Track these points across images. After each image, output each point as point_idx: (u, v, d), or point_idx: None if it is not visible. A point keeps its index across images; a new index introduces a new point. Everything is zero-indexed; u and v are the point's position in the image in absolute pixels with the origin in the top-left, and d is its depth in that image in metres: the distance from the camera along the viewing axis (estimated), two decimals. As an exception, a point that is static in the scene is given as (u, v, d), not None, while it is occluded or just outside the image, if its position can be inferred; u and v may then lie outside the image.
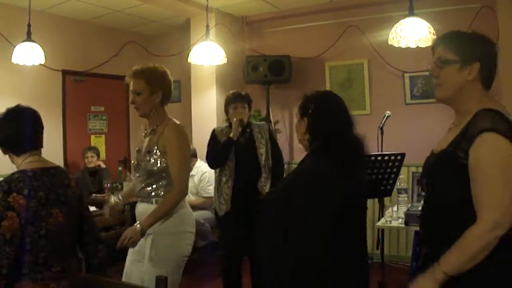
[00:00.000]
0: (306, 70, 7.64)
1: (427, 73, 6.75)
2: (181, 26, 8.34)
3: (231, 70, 7.49)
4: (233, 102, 5.00)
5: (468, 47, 2.33)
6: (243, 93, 5.17)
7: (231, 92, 5.18)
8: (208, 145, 5.12)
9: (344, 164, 2.55)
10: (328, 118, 2.71)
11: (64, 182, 2.79)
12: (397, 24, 4.69)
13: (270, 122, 7.20)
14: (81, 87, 7.95)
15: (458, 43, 2.34)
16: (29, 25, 5.74)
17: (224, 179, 4.95)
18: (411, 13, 4.67)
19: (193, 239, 3.65)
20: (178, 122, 3.69)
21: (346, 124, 2.69)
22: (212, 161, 5.06)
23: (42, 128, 2.87)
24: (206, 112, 7.66)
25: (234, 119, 4.88)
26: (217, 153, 4.95)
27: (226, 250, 5.09)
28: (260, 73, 7.34)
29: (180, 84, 8.77)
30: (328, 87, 7.54)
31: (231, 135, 4.86)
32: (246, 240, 4.56)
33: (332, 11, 7.42)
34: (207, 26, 6.15)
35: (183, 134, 3.68)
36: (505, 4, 6.14)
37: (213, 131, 5.15)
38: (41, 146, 2.87)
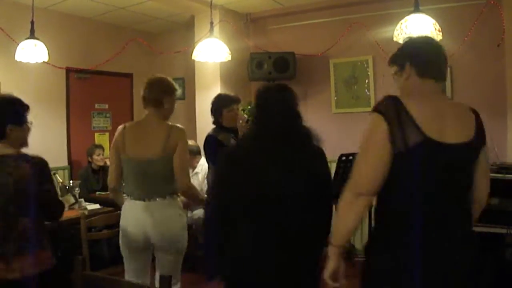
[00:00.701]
0: (310, 67, 7.62)
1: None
2: (185, 23, 8.32)
3: (235, 67, 7.47)
4: (228, 105, 4.93)
5: (399, 55, 2.68)
6: (232, 94, 5.24)
7: (217, 96, 5.21)
8: (213, 151, 4.78)
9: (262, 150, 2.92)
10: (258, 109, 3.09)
11: (6, 170, 2.99)
12: (402, 21, 4.68)
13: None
14: (85, 84, 7.94)
15: (395, 56, 2.71)
16: (32, 23, 5.73)
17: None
18: (416, 9, 4.66)
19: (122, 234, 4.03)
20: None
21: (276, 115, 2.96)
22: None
23: (13, 122, 3.10)
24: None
25: (241, 122, 4.84)
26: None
27: None
28: (265, 70, 7.32)
29: (184, 82, 8.77)
30: (332, 84, 7.52)
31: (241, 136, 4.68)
32: None
33: (337, 8, 7.39)
34: (211, 23, 6.14)
35: None
36: (510, 0, 6.10)
37: (214, 138, 4.87)
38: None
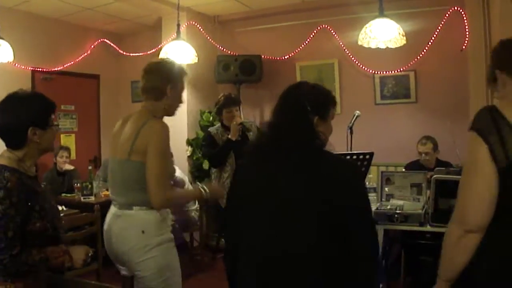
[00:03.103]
0: (277, 70, 7.66)
1: (396, 73, 6.86)
2: (152, 24, 8.31)
3: (202, 69, 7.48)
4: (227, 106, 5.40)
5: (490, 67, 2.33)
6: (233, 95, 5.59)
7: (222, 96, 5.53)
8: (204, 146, 5.58)
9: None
10: None
11: None
12: (367, 25, 4.73)
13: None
14: (51, 85, 7.86)
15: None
16: (-3, 22, 5.70)
17: (225, 175, 5.32)
18: (381, 14, 4.71)
19: None
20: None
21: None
22: (213, 160, 5.46)
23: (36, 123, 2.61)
24: (177, 111, 7.63)
25: (234, 123, 5.24)
26: (218, 153, 5.31)
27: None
28: (231, 73, 7.35)
29: (151, 83, 8.75)
30: (299, 87, 7.56)
31: (230, 136, 5.22)
32: None
33: (303, 12, 7.45)
34: (178, 25, 6.14)
35: None
36: (473, 7, 6.22)
37: (209, 133, 5.52)
38: None
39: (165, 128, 3.30)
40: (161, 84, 3.39)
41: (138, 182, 3.18)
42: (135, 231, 3.17)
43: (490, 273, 2.10)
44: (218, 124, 5.66)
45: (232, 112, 5.40)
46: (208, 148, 5.49)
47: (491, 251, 2.09)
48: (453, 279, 2.20)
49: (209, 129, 5.70)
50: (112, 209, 3.34)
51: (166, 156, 3.31)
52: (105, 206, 5.20)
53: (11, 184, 2.46)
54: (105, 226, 3.37)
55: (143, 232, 3.17)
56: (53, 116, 2.68)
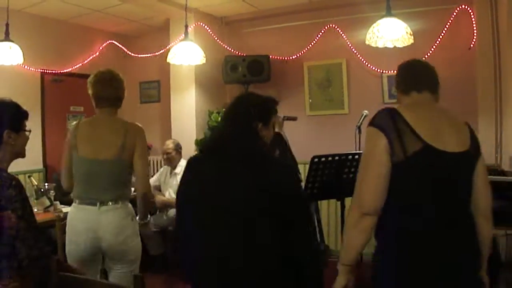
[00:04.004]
0: (284, 70, 7.68)
1: (404, 73, 6.83)
2: (160, 26, 8.33)
3: (210, 70, 7.51)
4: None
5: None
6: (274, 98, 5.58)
7: (264, 97, 5.51)
8: None
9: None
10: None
11: None
12: (374, 24, 4.73)
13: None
14: (60, 87, 7.90)
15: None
16: (7, 25, 5.71)
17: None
18: (388, 13, 4.71)
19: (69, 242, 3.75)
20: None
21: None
22: None
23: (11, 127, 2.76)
24: (185, 112, 7.67)
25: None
26: None
27: None
28: (239, 73, 7.35)
29: (159, 84, 8.80)
30: (306, 87, 7.59)
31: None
32: None
33: (311, 11, 7.46)
34: (186, 26, 6.15)
35: None
36: (481, 5, 6.21)
37: None
38: None
39: (143, 129, 3.85)
40: (122, 92, 3.91)
41: (125, 179, 3.74)
42: (127, 221, 3.67)
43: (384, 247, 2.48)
44: None
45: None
46: None
47: (384, 229, 2.44)
48: (352, 262, 2.51)
49: None
50: (89, 208, 3.60)
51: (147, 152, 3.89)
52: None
53: (15, 181, 2.51)
54: (85, 224, 3.59)
55: (132, 219, 3.74)
56: (25, 122, 2.88)
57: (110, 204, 3.60)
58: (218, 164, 2.64)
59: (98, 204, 3.57)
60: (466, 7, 6.38)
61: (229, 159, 2.62)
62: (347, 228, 2.50)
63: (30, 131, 2.89)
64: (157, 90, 8.87)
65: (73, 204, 3.75)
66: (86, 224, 3.58)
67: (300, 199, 2.69)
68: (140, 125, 3.85)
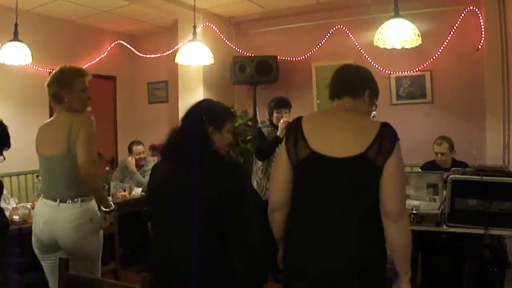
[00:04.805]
0: (293, 70, 7.68)
1: (412, 74, 6.85)
2: (168, 26, 8.36)
3: (218, 70, 7.52)
4: (277, 108, 5.90)
5: None
6: (284, 98, 6.03)
7: (274, 98, 6.01)
8: (256, 139, 6.04)
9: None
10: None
11: None
12: (382, 25, 4.72)
13: (257, 122, 7.25)
14: (68, 87, 7.92)
15: None
16: (16, 25, 5.71)
17: (270, 169, 5.71)
18: (396, 14, 4.69)
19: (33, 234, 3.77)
20: None
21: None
22: (261, 153, 5.87)
23: None
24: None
25: (281, 121, 5.64)
26: (266, 148, 5.77)
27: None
28: (247, 74, 7.36)
29: (168, 84, 8.81)
30: (314, 88, 7.60)
31: (278, 133, 5.63)
32: None
33: (319, 12, 7.46)
34: (194, 26, 6.17)
35: None
36: (489, 6, 6.20)
37: (260, 129, 6.06)
38: None
39: (91, 119, 3.83)
40: (57, 90, 3.87)
41: (76, 176, 3.60)
42: (84, 220, 3.61)
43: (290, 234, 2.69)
44: (267, 123, 6.13)
45: (281, 113, 5.84)
46: (259, 141, 5.90)
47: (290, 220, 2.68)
48: (281, 243, 2.78)
49: (258, 126, 6.33)
50: (49, 203, 3.63)
51: (93, 142, 3.74)
52: (122, 206, 5.27)
53: None
54: (42, 219, 3.64)
55: (91, 220, 3.65)
56: None
57: (69, 202, 3.61)
58: (168, 166, 2.91)
59: (58, 200, 3.61)
60: (474, 8, 6.37)
61: (176, 160, 2.86)
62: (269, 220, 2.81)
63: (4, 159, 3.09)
64: (165, 91, 8.89)
65: (39, 198, 3.83)
66: (44, 219, 3.63)
67: (241, 197, 2.79)
68: (88, 115, 3.87)
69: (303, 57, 7.57)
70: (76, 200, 3.62)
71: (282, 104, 5.91)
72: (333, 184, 2.50)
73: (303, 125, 2.62)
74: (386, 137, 2.51)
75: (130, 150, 7.31)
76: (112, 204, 3.94)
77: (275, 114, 5.91)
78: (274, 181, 2.71)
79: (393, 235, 2.47)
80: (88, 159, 3.58)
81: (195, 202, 2.66)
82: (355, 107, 2.72)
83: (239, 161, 5.15)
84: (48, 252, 3.72)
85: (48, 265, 3.77)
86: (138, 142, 7.29)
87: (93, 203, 3.76)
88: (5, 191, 5.62)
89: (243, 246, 2.73)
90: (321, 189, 2.53)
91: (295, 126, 2.64)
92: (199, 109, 2.96)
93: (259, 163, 5.94)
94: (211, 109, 2.97)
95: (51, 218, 3.59)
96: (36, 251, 3.75)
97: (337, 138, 2.54)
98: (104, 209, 3.80)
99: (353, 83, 2.80)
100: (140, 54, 8.65)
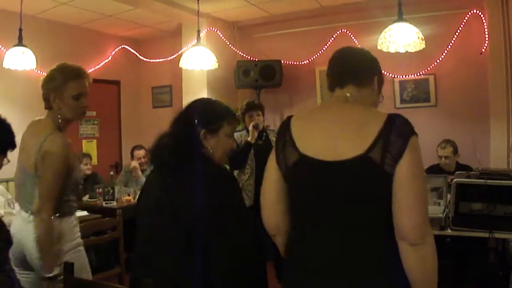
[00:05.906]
0: (297, 74, 7.69)
1: (416, 77, 6.84)
2: (172, 31, 8.37)
3: (222, 75, 7.52)
4: (247, 111, 5.68)
5: None
6: (255, 102, 5.86)
7: (245, 102, 5.80)
8: None
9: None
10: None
11: None
12: (386, 29, 4.73)
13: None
14: (72, 92, 7.93)
15: None
16: (20, 30, 5.73)
17: (245, 177, 5.57)
18: (400, 18, 4.70)
19: None
20: None
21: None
22: (232, 162, 5.48)
23: None
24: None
25: (250, 125, 5.47)
26: (235, 155, 5.33)
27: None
28: (251, 78, 7.37)
29: (172, 89, 8.82)
30: (318, 92, 7.60)
31: (248, 139, 5.45)
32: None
33: (322, 16, 7.46)
34: (198, 31, 6.18)
35: None
36: (493, 9, 6.20)
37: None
38: None
39: (63, 146, 3.06)
40: (46, 94, 3.30)
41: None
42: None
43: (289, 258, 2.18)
44: (244, 130, 5.83)
45: (252, 116, 5.62)
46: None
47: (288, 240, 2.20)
48: None
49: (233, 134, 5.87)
50: (23, 214, 3.16)
51: (59, 175, 3.02)
52: (127, 211, 5.27)
53: None
54: (15, 230, 3.12)
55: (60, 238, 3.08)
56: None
57: (31, 215, 3.07)
58: (150, 177, 2.67)
59: (28, 213, 3.09)
60: (477, 11, 6.37)
61: (156, 170, 2.62)
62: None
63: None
64: (169, 95, 8.90)
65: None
66: (15, 229, 3.15)
67: (217, 212, 2.36)
68: (62, 139, 3.10)
69: (307, 61, 7.58)
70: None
71: (251, 107, 5.73)
72: (327, 195, 1.99)
73: (292, 125, 2.14)
74: (395, 131, 1.98)
75: (132, 154, 7.33)
76: (57, 269, 2.96)
77: (247, 119, 5.70)
78: (264, 199, 2.24)
79: (411, 262, 1.88)
80: (42, 194, 2.96)
81: (165, 221, 2.36)
82: (359, 98, 2.18)
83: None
84: (20, 266, 3.20)
85: (23, 280, 3.16)
86: (140, 147, 7.29)
87: (70, 220, 3.24)
88: (9, 195, 5.65)
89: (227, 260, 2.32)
90: (313, 201, 2.04)
91: (284, 127, 2.16)
92: (191, 109, 2.59)
93: (235, 173, 5.63)
94: (205, 109, 2.60)
95: (21, 230, 3.13)
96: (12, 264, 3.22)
97: (331, 137, 2.01)
98: (44, 275, 3.02)
99: (358, 68, 2.24)
100: (144, 59, 8.67)
